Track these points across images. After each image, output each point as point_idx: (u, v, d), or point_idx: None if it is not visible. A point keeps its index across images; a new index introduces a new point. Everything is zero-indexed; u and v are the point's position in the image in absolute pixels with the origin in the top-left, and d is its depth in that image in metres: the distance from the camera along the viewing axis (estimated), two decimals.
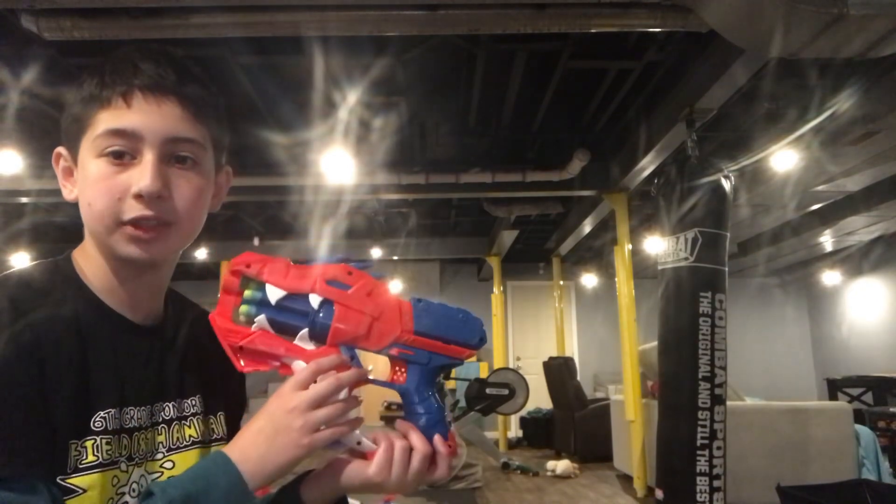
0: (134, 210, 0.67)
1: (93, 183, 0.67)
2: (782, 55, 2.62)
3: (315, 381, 0.65)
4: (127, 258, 0.69)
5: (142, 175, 0.66)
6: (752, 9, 2.40)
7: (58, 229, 6.52)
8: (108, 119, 0.67)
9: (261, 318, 0.67)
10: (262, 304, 0.67)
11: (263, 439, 0.63)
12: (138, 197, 0.66)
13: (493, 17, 2.95)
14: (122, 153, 0.67)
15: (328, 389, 0.65)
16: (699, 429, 3.50)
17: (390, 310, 0.68)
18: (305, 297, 0.67)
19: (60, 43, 3.12)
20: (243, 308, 0.67)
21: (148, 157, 0.67)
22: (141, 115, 0.67)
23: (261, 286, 0.68)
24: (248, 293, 0.68)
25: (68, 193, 0.73)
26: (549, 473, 5.99)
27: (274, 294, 0.67)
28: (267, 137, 4.59)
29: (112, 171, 0.67)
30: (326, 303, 0.67)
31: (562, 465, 5.95)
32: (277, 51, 3.68)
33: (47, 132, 4.35)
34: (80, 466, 0.62)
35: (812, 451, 4.56)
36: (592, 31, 3.11)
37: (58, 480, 0.60)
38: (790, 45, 2.51)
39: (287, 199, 5.57)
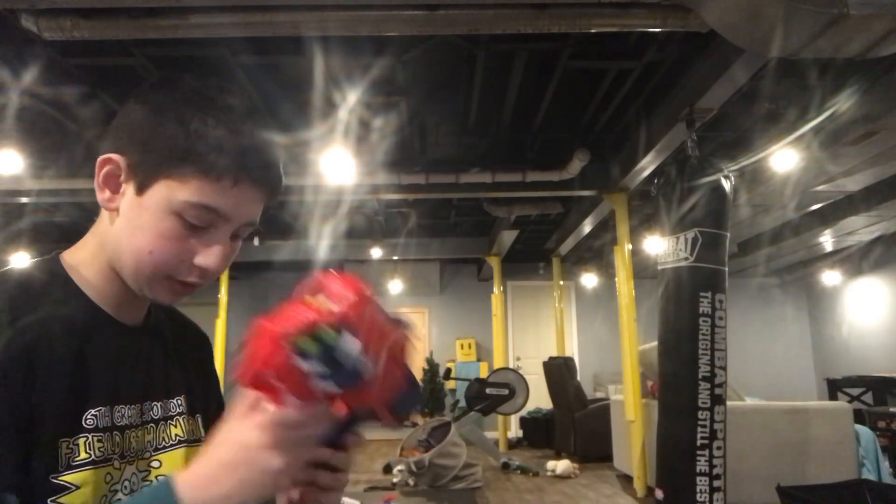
0: (192, 275, 0.68)
1: (161, 236, 0.66)
2: (782, 55, 2.62)
3: (310, 426, 0.55)
4: (154, 300, 0.71)
5: (214, 255, 0.68)
6: (752, 9, 2.40)
7: (58, 229, 6.52)
8: (205, 191, 0.65)
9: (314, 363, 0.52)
10: (328, 349, 0.52)
11: (225, 474, 0.54)
12: (202, 270, 0.68)
13: (493, 17, 2.95)
14: (200, 227, 0.67)
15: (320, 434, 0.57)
16: (699, 429, 3.51)
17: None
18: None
19: (60, 43, 3.12)
20: (310, 345, 0.52)
21: (223, 237, 0.68)
22: (239, 200, 0.67)
23: (340, 331, 0.53)
24: (326, 333, 0.52)
25: (107, 202, 0.69)
26: (549, 473, 5.99)
27: (349, 348, 0.53)
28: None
29: (185, 234, 0.66)
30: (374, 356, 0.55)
31: (562, 465, 5.95)
32: (277, 51, 3.68)
33: (47, 132, 4.35)
34: (73, 464, 0.62)
35: (812, 451, 4.56)
36: (592, 31, 3.11)
37: (50, 479, 0.60)
38: (790, 45, 2.51)
39: (287, 199, 5.58)
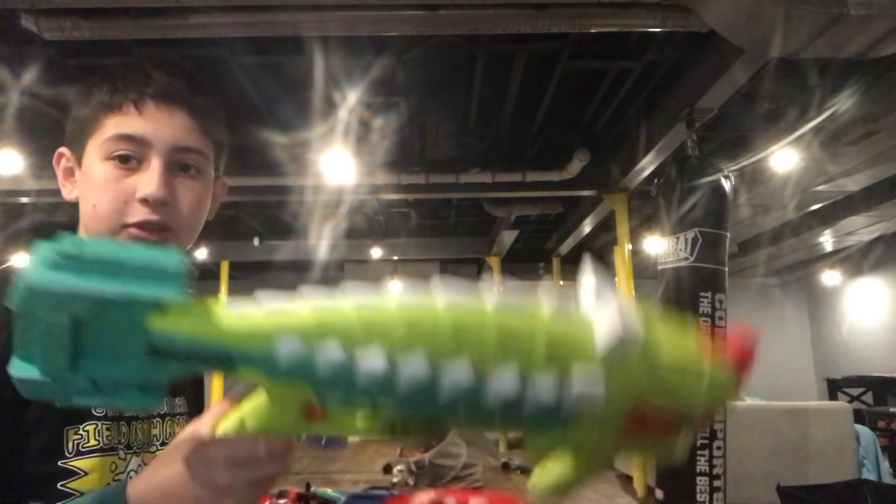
0: (139, 214, 0.69)
1: (98, 185, 0.69)
2: (782, 55, 2.62)
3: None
4: None
5: (149, 181, 0.68)
6: (752, 9, 2.40)
7: (58, 229, 6.50)
8: (117, 124, 0.69)
9: None
10: None
11: (175, 484, 0.51)
12: (144, 202, 0.68)
13: (493, 17, 2.95)
14: (129, 157, 0.69)
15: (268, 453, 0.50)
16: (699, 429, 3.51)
17: None
18: None
19: (60, 43, 3.12)
20: None
21: (155, 164, 0.69)
22: (151, 122, 0.69)
23: None
24: None
25: (68, 193, 0.75)
26: None
27: None
28: (267, 137, 4.59)
29: (118, 175, 0.69)
30: None
31: None
32: (277, 51, 3.68)
33: (47, 132, 4.35)
34: (83, 450, 0.64)
35: (812, 451, 4.56)
36: (592, 31, 3.11)
37: (59, 464, 0.62)
38: (790, 45, 2.51)
39: (287, 199, 5.58)
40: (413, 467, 5.22)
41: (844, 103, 3.58)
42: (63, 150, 0.75)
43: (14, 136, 4.35)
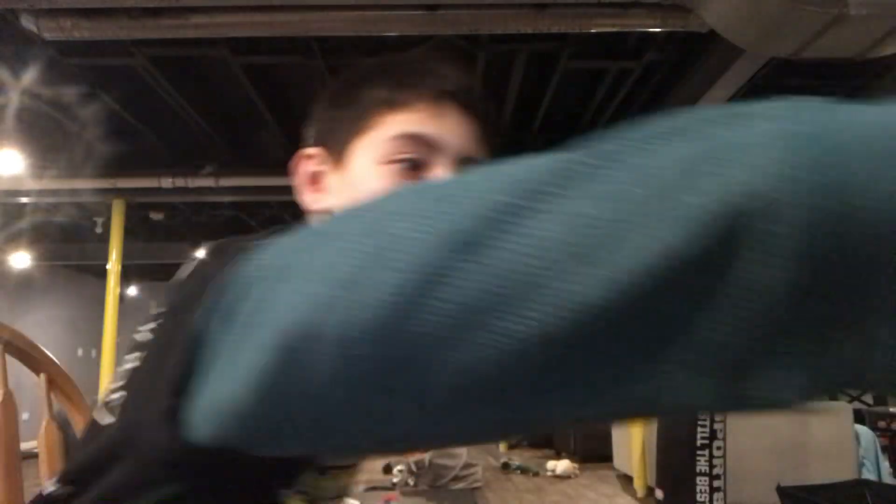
0: None
1: (381, 189, 0.57)
2: (782, 55, 2.62)
3: None
4: None
5: None
6: (752, 9, 2.40)
7: (58, 229, 6.52)
8: (405, 122, 0.59)
9: None
10: None
11: None
12: None
13: (493, 17, 2.96)
14: (418, 163, 0.59)
15: None
16: (699, 429, 3.51)
17: None
18: None
19: (60, 43, 3.12)
20: None
21: (441, 173, 0.59)
22: (445, 124, 0.60)
23: None
24: None
25: (314, 202, 0.64)
26: (549, 473, 5.99)
27: None
28: (267, 137, 4.59)
29: (406, 179, 0.58)
30: None
31: (562, 465, 5.95)
32: (277, 51, 3.68)
33: (47, 132, 4.35)
34: None
35: (812, 451, 4.56)
36: (592, 31, 3.11)
37: None
38: (790, 45, 2.51)
39: (287, 199, 5.56)
40: (413, 467, 5.22)
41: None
42: (312, 150, 0.65)
43: (14, 136, 4.35)
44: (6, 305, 7.76)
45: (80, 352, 9.39)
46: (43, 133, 4.36)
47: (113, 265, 5.39)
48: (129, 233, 5.55)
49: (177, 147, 4.93)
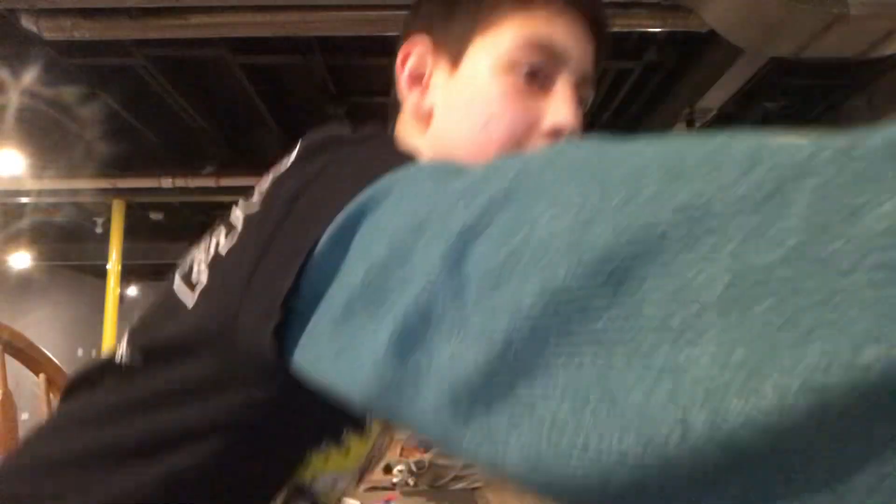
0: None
1: (499, 100, 0.52)
2: (782, 55, 2.62)
3: None
4: None
5: (565, 108, 0.53)
6: (752, 9, 2.40)
7: (58, 229, 6.52)
8: (534, 26, 0.53)
9: None
10: None
11: None
12: (555, 133, 0.52)
13: None
14: (538, 75, 0.53)
15: None
16: None
17: None
18: None
19: (60, 43, 3.12)
20: None
21: (564, 90, 0.54)
22: (574, 37, 0.55)
23: None
24: None
25: (415, 101, 0.57)
26: None
27: None
28: (267, 137, 4.59)
29: (525, 93, 0.53)
30: None
31: None
32: (277, 51, 3.68)
33: (47, 132, 4.35)
34: None
35: None
36: None
37: None
38: (790, 45, 2.51)
39: None
40: (413, 467, 5.22)
41: (845, 104, 3.58)
42: (421, 39, 0.56)
43: (14, 136, 4.35)
44: (6, 305, 7.75)
45: (80, 352, 9.38)
46: (43, 133, 4.36)
47: (113, 265, 5.39)
48: (129, 233, 5.55)
49: (177, 147, 4.92)
